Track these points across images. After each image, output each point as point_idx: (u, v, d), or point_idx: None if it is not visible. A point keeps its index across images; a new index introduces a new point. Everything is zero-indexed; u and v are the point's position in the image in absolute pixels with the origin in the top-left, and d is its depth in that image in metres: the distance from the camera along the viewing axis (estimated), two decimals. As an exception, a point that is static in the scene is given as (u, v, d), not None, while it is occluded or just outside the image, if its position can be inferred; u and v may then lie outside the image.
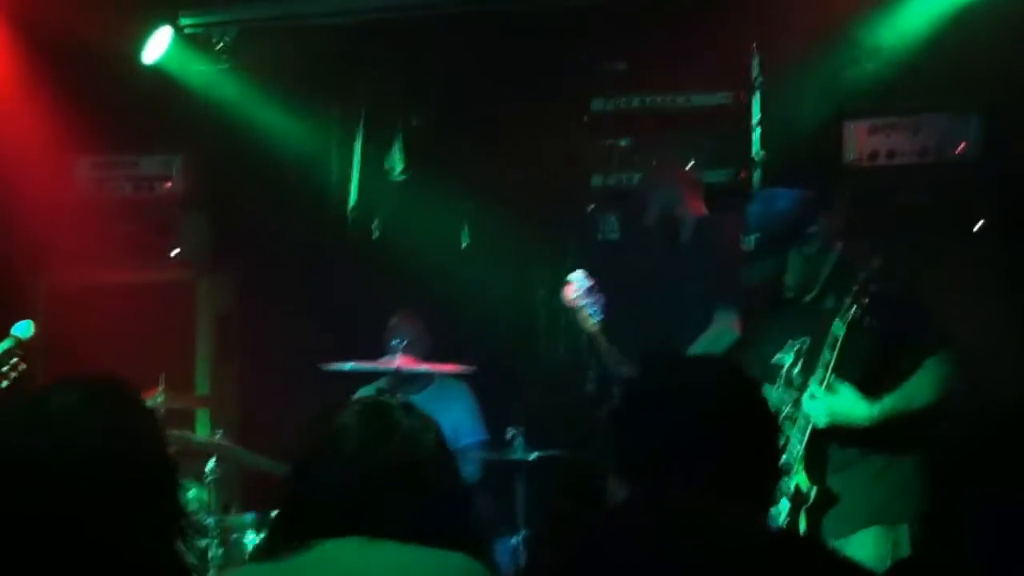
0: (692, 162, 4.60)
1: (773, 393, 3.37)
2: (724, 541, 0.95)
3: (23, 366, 3.77)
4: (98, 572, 1.61)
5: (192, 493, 4.12)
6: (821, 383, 3.14)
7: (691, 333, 3.98)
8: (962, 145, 4.40)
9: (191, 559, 1.71)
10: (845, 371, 3.13)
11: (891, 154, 4.50)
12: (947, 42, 4.52)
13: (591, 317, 3.90)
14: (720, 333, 3.95)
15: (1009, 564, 1.29)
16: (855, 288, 3.06)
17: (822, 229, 3.34)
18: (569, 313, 4.73)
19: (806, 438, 3.21)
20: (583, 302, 3.90)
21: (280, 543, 1.90)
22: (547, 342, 5.17)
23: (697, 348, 3.93)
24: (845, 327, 3.08)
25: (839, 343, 3.10)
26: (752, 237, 3.31)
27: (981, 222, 4.28)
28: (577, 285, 3.92)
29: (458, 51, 5.21)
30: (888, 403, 3.14)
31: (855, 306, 3.07)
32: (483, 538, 1.88)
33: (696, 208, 4.32)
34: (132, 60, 5.16)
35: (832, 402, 3.13)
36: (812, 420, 3.17)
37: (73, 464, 1.64)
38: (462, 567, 1.83)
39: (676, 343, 3.99)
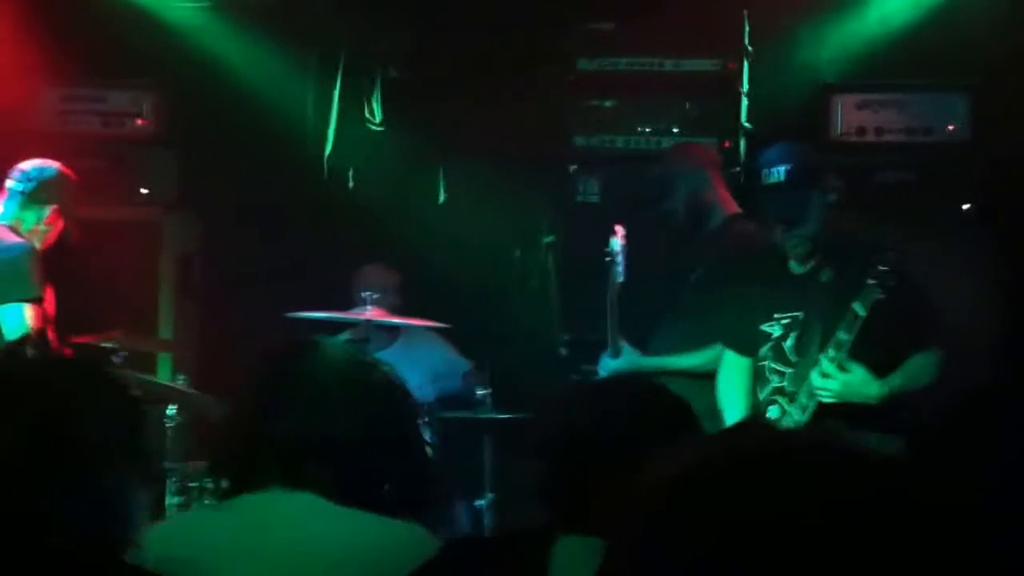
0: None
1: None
2: None
3: None
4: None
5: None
6: (833, 362, 3.08)
7: (674, 322, 3.90)
8: (951, 125, 4.36)
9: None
10: (859, 350, 3.08)
11: (879, 131, 4.45)
12: (939, 20, 4.49)
13: (618, 276, 3.79)
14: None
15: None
16: (881, 269, 2.97)
17: (836, 184, 3.29)
18: (546, 274, 4.63)
19: (807, 416, 3.17)
20: (619, 257, 3.78)
21: (224, 488, 1.83)
22: (518, 303, 5.10)
23: (704, 359, 3.76)
24: (867, 309, 3.01)
25: (858, 324, 3.03)
26: (782, 168, 3.22)
27: (967, 205, 4.26)
28: (621, 235, 3.79)
29: (442, 1, 5.10)
30: (896, 381, 3.12)
31: (879, 288, 2.98)
32: (441, 502, 1.86)
33: (727, 201, 3.96)
34: (106, -10, 5.00)
35: (846, 380, 3.09)
36: (821, 397, 3.13)
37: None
38: (405, 537, 1.74)
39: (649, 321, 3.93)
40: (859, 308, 3.01)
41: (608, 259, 3.84)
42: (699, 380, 3.66)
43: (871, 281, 2.98)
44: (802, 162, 3.25)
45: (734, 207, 3.99)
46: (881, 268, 2.97)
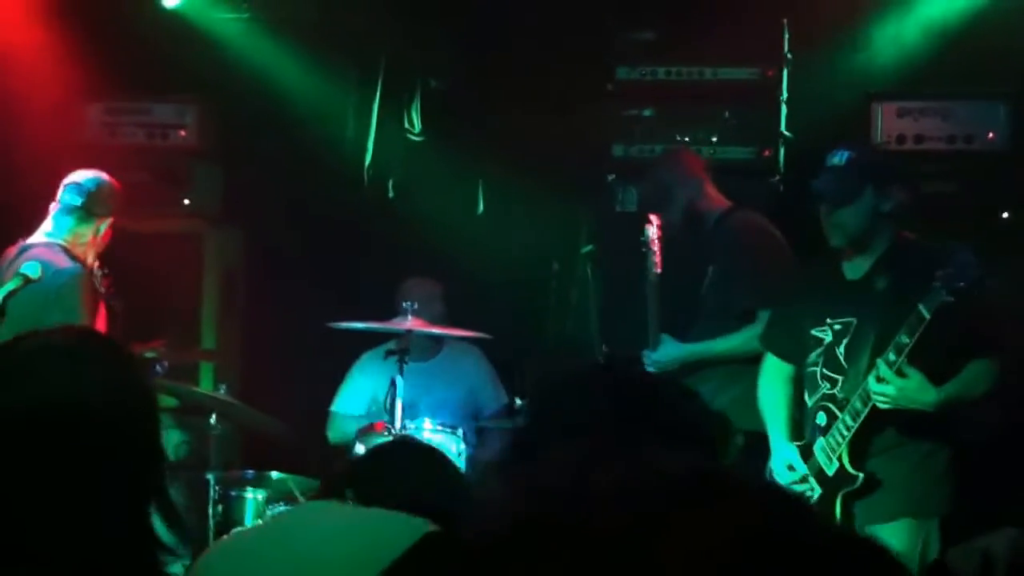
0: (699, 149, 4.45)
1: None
2: None
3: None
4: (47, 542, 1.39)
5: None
6: (891, 366, 3.03)
7: (705, 322, 3.92)
8: (992, 134, 4.31)
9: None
10: (915, 356, 3.03)
11: (919, 139, 4.41)
12: (980, 28, 4.44)
13: (653, 265, 3.82)
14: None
15: None
16: (949, 272, 2.91)
17: (898, 196, 3.26)
18: (585, 285, 4.64)
19: (860, 422, 3.13)
20: (655, 247, 3.80)
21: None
22: (557, 314, 5.10)
23: (739, 340, 3.78)
24: (931, 314, 2.95)
25: (921, 329, 2.97)
26: (845, 154, 3.21)
27: (1006, 214, 4.21)
28: (656, 224, 3.82)
29: (480, 12, 5.12)
30: (951, 389, 3.07)
31: (946, 290, 2.92)
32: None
33: (716, 199, 4.03)
34: (150, 3, 5.07)
35: (903, 385, 3.04)
36: (875, 402, 3.08)
37: (38, 414, 1.42)
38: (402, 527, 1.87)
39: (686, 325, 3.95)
40: (924, 310, 2.94)
41: (644, 249, 3.85)
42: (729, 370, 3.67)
43: (937, 283, 2.92)
44: (865, 155, 3.25)
45: (724, 202, 4.03)
46: (949, 270, 2.91)
